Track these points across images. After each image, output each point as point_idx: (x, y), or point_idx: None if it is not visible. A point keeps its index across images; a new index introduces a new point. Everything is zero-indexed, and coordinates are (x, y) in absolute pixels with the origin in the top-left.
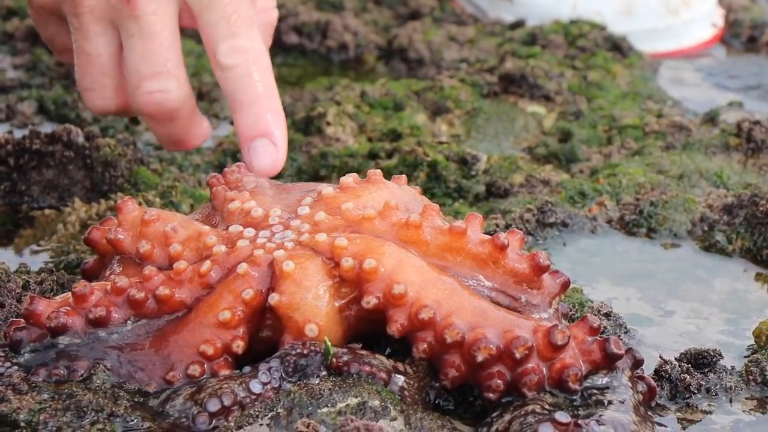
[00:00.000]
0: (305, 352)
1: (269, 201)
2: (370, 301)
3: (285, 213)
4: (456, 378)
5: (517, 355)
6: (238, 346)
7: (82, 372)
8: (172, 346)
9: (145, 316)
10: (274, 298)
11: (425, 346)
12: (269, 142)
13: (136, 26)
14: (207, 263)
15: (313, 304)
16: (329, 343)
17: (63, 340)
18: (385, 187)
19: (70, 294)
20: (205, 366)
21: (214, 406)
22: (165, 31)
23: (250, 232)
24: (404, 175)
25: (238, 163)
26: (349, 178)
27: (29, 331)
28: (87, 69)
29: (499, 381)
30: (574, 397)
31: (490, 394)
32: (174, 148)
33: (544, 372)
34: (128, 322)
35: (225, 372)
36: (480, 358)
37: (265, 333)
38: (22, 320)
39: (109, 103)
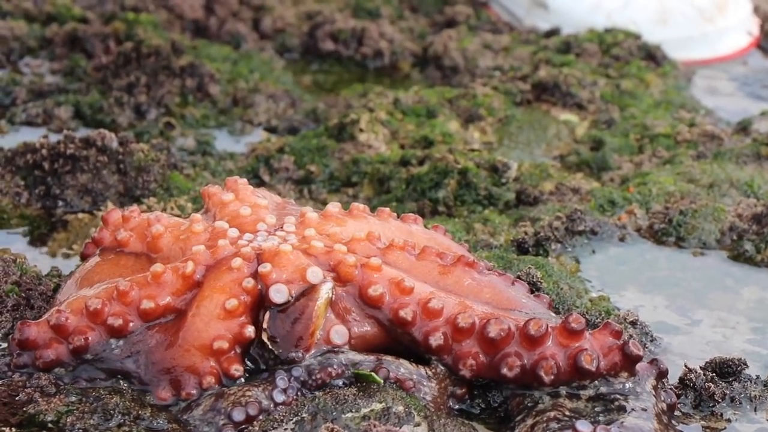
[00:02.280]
0: (332, 373)
1: (265, 210)
2: (377, 289)
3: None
4: (474, 367)
5: (532, 332)
6: (250, 331)
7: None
8: (176, 356)
9: (131, 334)
10: (266, 267)
11: (440, 334)
12: None
13: None
14: (190, 264)
15: (302, 268)
16: (376, 376)
17: (58, 372)
18: (365, 221)
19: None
20: (217, 369)
21: (239, 415)
22: None
23: (234, 232)
24: (387, 209)
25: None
26: (335, 208)
27: (29, 354)
28: None
29: (515, 358)
30: (595, 405)
31: (506, 371)
32: None
33: (561, 358)
34: (112, 341)
35: (236, 367)
36: (492, 333)
37: None
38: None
39: None
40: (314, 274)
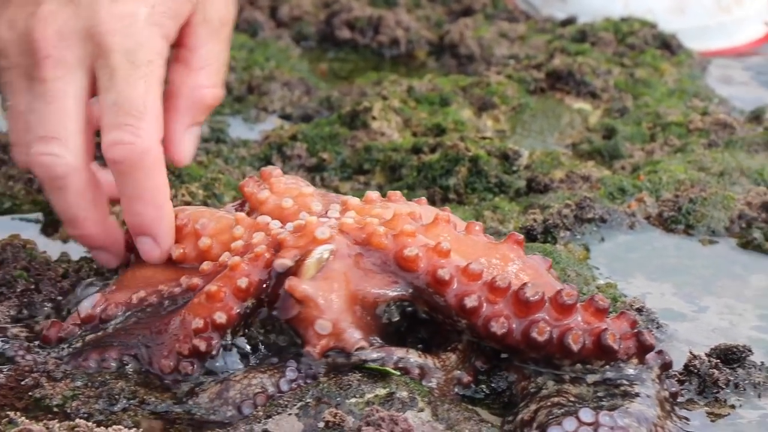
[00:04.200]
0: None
1: (311, 197)
2: (412, 250)
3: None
4: (505, 326)
5: (565, 299)
6: (242, 282)
7: (113, 363)
8: (179, 314)
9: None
10: (283, 233)
11: (475, 297)
12: (152, 240)
13: (40, 88)
14: (226, 254)
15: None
16: (392, 370)
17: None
18: (406, 204)
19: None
20: (208, 322)
21: (248, 409)
22: (67, 99)
23: (276, 224)
24: (425, 198)
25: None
26: (374, 194)
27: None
28: (13, 125)
29: (544, 325)
30: (598, 390)
31: (536, 336)
32: (70, 231)
33: (586, 334)
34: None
35: (219, 314)
36: (529, 294)
37: None
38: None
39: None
40: (322, 232)
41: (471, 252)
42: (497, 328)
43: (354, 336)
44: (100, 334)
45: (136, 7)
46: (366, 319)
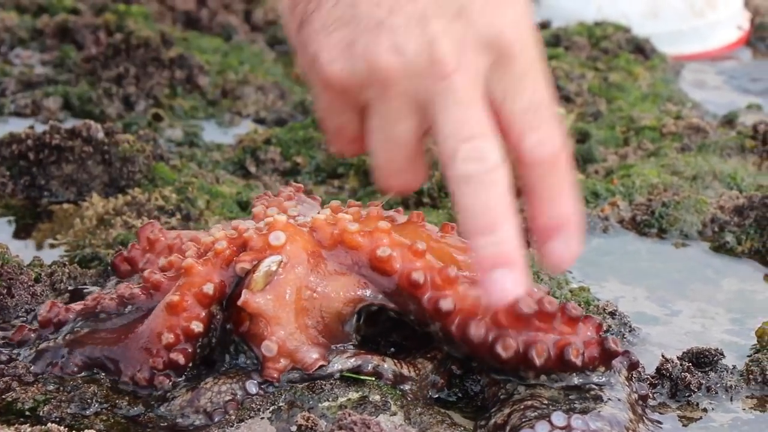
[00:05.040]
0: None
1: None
2: (385, 251)
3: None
4: (480, 338)
5: (550, 308)
6: (208, 288)
7: (75, 369)
8: (146, 325)
9: None
10: (249, 232)
11: (450, 300)
12: (567, 239)
13: (454, 97)
14: (175, 255)
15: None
16: (369, 378)
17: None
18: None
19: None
20: (178, 327)
21: (219, 417)
22: (479, 102)
23: (251, 223)
24: (401, 209)
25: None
26: (356, 204)
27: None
28: (393, 155)
29: (510, 340)
30: (570, 393)
31: (501, 351)
32: (485, 239)
33: (550, 344)
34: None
35: (196, 323)
36: (524, 308)
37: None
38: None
39: (413, 183)
40: (276, 237)
41: (442, 254)
42: (474, 336)
43: (311, 357)
44: (51, 343)
45: (521, 12)
46: (323, 331)
